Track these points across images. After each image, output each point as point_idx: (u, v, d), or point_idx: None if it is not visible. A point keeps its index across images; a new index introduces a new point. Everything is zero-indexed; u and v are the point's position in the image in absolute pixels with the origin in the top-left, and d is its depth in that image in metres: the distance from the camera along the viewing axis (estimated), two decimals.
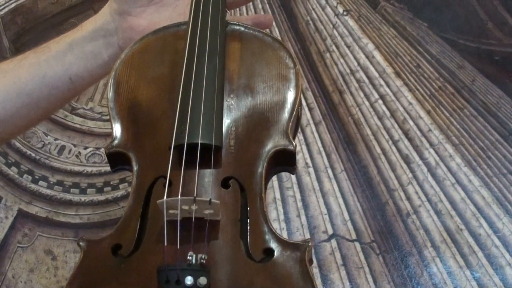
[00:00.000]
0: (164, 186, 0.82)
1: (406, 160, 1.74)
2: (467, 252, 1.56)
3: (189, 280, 0.72)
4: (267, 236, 0.82)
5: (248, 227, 0.83)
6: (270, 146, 0.89)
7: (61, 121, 1.94)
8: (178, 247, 0.77)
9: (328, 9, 2.08)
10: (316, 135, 1.82)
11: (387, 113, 1.84)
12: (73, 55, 0.99)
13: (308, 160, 1.76)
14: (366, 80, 1.92)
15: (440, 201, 1.65)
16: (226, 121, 0.91)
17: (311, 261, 0.80)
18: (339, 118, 1.86)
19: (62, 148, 1.90)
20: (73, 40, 1.01)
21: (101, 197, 1.79)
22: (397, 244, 1.60)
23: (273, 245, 0.81)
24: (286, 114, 0.92)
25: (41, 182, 1.83)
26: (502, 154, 1.71)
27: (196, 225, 0.78)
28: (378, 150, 1.77)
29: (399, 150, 1.76)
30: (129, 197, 0.91)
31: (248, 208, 0.84)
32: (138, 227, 0.84)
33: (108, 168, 1.83)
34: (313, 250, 1.58)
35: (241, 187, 0.86)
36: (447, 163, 1.72)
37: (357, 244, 1.62)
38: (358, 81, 1.93)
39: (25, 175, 1.85)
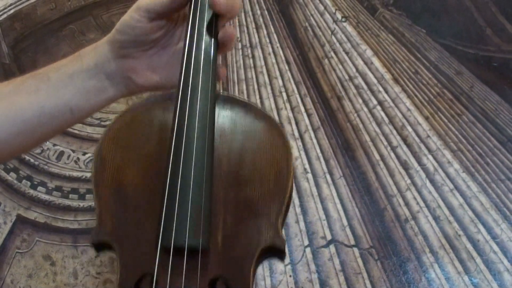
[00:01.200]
0: (151, 283, 0.81)
1: (405, 166, 1.74)
2: (466, 257, 1.56)
3: None
4: None
5: None
6: (258, 243, 0.87)
7: None
8: None
9: (327, 16, 2.08)
10: (314, 141, 1.83)
11: (386, 119, 1.84)
12: (75, 88, 0.97)
13: (307, 166, 1.76)
14: (365, 86, 1.92)
15: (438, 207, 1.65)
16: (214, 215, 0.87)
17: None
18: (338, 124, 1.86)
19: (61, 153, 1.90)
20: (74, 73, 0.97)
21: None
22: (395, 249, 1.60)
23: None
24: (277, 206, 0.89)
25: (40, 188, 1.84)
26: (500, 160, 1.71)
27: None
28: (377, 156, 1.78)
29: (397, 156, 1.77)
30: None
31: None
32: None
33: None
34: (312, 256, 1.59)
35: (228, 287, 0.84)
36: (446, 169, 1.72)
37: (355, 249, 1.62)
38: (356, 87, 1.93)
39: (24, 181, 1.85)
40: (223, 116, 0.97)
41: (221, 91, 1.83)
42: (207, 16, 0.96)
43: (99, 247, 0.92)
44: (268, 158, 0.93)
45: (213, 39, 0.95)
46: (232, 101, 1.00)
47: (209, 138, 0.89)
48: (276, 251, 0.89)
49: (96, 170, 0.93)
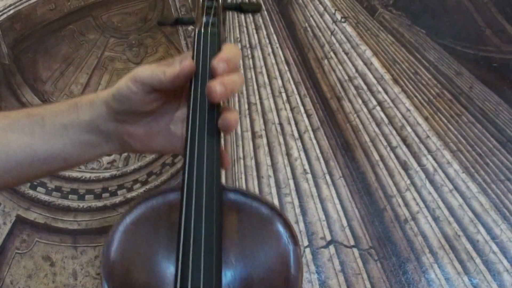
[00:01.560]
0: None
1: (404, 166, 1.74)
2: (465, 258, 1.56)
3: None
4: None
5: None
6: None
7: None
8: None
9: (326, 16, 2.08)
10: (314, 141, 1.83)
11: (385, 119, 1.84)
12: (69, 139, 0.95)
13: (306, 167, 1.76)
14: (364, 87, 1.92)
15: (438, 208, 1.65)
16: None
17: None
18: (337, 125, 1.86)
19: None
20: (69, 124, 0.94)
21: (99, 203, 1.79)
22: (395, 250, 1.60)
23: None
24: None
25: (39, 188, 1.83)
26: (499, 161, 1.71)
27: None
28: (376, 156, 1.78)
29: (397, 157, 1.77)
30: None
31: None
32: None
33: (106, 174, 1.85)
34: (311, 256, 1.59)
35: None
36: (445, 169, 1.72)
37: (355, 250, 1.62)
38: (356, 87, 1.93)
39: None
40: (229, 209, 0.93)
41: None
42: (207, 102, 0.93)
43: None
44: (275, 255, 0.91)
45: (215, 128, 0.92)
46: (240, 196, 0.97)
47: (217, 239, 0.86)
48: None
49: (104, 274, 0.92)
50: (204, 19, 0.94)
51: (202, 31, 0.92)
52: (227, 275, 0.88)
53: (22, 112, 0.97)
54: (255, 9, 1.00)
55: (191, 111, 0.89)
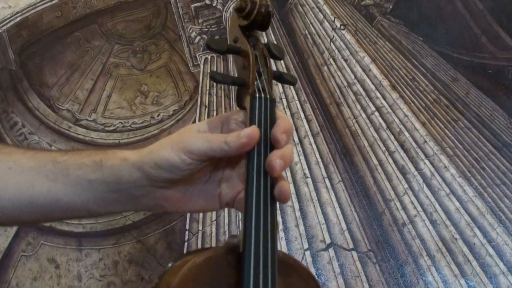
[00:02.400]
0: None
1: (402, 171, 1.74)
2: (462, 261, 1.55)
3: None
4: None
5: None
6: None
7: (65, 132, 1.95)
8: None
9: (326, 24, 2.08)
10: (314, 146, 1.82)
11: (384, 125, 1.84)
12: (94, 194, 0.92)
13: (306, 171, 1.75)
14: (363, 93, 1.92)
15: (435, 211, 1.64)
16: None
17: None
18: (337, 130, 1.86)
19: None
20: (93, 180, 0.89)
21: None
22: (393, 253, 1.59)
23: None
24: None
25: None
26: (495, 165, 1.71)
27: None
28: (375, 161, 1.77)
29: (395, 161, 1.76)
30: None
31: None
32: None
33: None
34: (311, 259, 1.57)
35: None
36: (442, 173, 1.71)
37: (354, 253, 1.61)
38: (355, 93, 1.93)
39: None
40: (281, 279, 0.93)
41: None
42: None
43: None
44: None
45: (272, 196, 0.90)
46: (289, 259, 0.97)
47: None
48: None
49: None
50: (258, 84, 0.92)
51: (257, 95, 0.90)
52: None
53: (48, 157, 0.94)
54: (292, 82, 0.98)
55: (249, 180, 0.87)
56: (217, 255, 0.87)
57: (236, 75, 0.99)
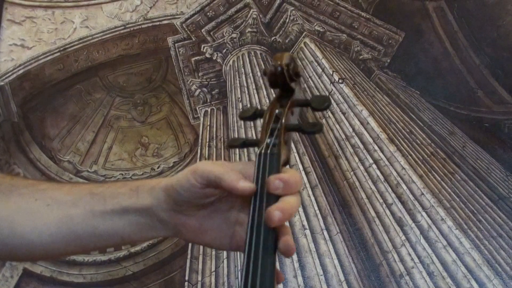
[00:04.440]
0: None
1: (400, 223, 1.77)
2: None
3: None
4: None
5: None
6: None
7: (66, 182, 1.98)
8: None
9: (324, 77, 2.14)
10: (312, 198, 1.86)
11: (381, 177, 1.88)
12: (128, 221, 1.00)
13: (305, 223, 1.79)
14: (361, 146, 1.97)
15: (432, 263, 1.68)
16: None
17: None
18: (335, 182, 1.90)
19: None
20: (129, 207, 0.99)
21: (104, 258, 1.82)
22: None
23: None
24: None
25: None
26: (492, 218, 1.75)
27: None
28: (372, 213, 1.81)
29: (392, 213, 1.80)
30: None
31: None
32: None
33: None
34: None
35: None
36: (439, 226, 1.75)
37: None
38: (353, 146, 1.97)
39: None
40: None
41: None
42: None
43: None
44: None
45: (272, 247, 0.97)
46: None
47: None
48: None
49: None
50: (267, 140, 0.95)
51: (263, 151, 0.98)
52: None
53: (85, 190, 1.03)
54: (316, 130, 1.01)
55: (249, 229, 0.91)
56: None
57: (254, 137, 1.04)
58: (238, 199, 1.01)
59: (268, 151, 0.93)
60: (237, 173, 0.93)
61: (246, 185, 0.92)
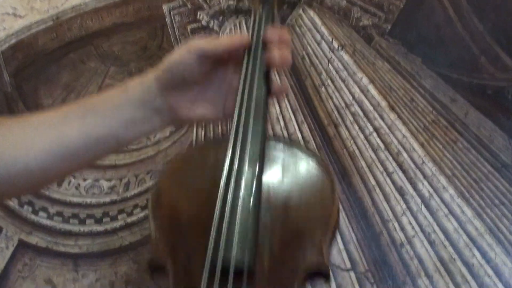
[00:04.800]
0: None
1: (400, 191, 1.76)
2: (460, 281, 1.58)
3: None
4: None
5: None
6: (304, 269, 0.92)
7: None
8: None
9: (323, 44, 2.12)
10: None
11: (382, 145, 1.87)
12: (121, 119, 1.02)
13: None
14: (361, 114, 1.95)
15: (433, 232, 1.67)
16: (261, 242, 0.92)
17: None
18: (334, 151, 1.88)
19: (62, 180, 1.93)
20: (120, 104, 1.03)
21: (100, 228, 1.81)
22: (391, 273, 1.62)
23: None
24: (322, 237, 0.96)
25: (41, 213, 1.87)
26: (494, 186, 1.73)
27: None
28: (373, 182, 1.80)
29: (393, 182, 1.79)
30: None
31: None
32: None
33: (106, 199, 1.88)
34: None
35: None
36: (441, 194, 1.74)
37: (352, 273, 1.64)
38: (353, 114, 1.96)
39: (25, 206, 1.88)
40: (274, 156, 1.04)
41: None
42: (260, 65, 1.02)
43: (153, 269, 0.98)
44: (315, 196, 1.01)
45: (264, 88, 1.01)
46: (281, 142, 1.05)
47: (258, 178, 0.95)
48: (321, 276, 0.95)
49: (152, 204, 0.98)
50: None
51: (259, 10, 1.04)
52: (269, 198, 0.98)
53: (73, 105, 1.04)
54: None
55: (243, 73, 1.02)
56: (206, 142, 1.02)
57: None
58: (229, 69, 1.05)
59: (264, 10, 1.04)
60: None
61: (240, 36, 0.99)
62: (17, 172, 0.97)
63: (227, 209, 0.91)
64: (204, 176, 1.01)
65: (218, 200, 0.92)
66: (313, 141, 1.90)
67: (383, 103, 1.97)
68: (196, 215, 0.98)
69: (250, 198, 0.92)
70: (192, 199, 1.00)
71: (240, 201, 0.91)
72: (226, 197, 0.92)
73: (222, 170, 0.95)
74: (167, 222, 0.99)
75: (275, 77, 1.93)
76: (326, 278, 0.95)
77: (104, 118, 1.02)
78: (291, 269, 0.92)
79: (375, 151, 1.87)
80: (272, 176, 1.01)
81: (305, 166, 1.04)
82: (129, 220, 1.82)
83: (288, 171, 1.02)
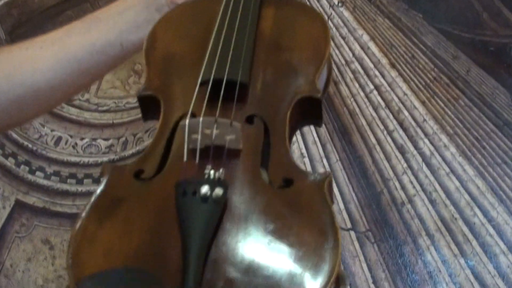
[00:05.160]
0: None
1: (401, 150, 1.75)
2: (462, 240, 1.57)
3: (204, 188, 0.71)
4: (288, 168, 0.82)
5: (270, 158, 0.83)
6: (296, 92, 0.91)
7: (58, 112, 1.96)
8: (197, 166, 0.77)
9: (323, 1, 2.08)
10: (311, 125, 1.81)
11: (382, 103, 1.85)
12: (125, 23, 1.03)
13: (304, 150, 1.77)
14: (361, 71, 1.93)
15: (434, 191, 1.66)
16: (255, 64, 0.93)
17: (330, 190, 0.77)
18: (334, 109, 1.86)
19: (59, 139, 1.92)
20: (123, 10, 1.04)
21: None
22: (392, 233, 1.61)
23: (294, 175, 0.80)
24: (314, 66, 0.94)
25: (38, 173, 1.84)
26: (496, 144, 1.72)
27: (216, 152, 0.79)
28: (373, 140, 1.78)
29: (394, 140, 1.77)
30: (155, 133, 0.91)
31: (271, 143, 0.85)
32: (161, 156, 0.85)
33: (104, 159, 1.85)
34: None
35: (265, 125, 0.87)
36: (442, 153, 1.72)
37: (352, 233, 1.63)
38: (353, 72, 1.93)
39: (22, 166, 1.86)
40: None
41: None
42: None
43: (146, 107, 0.97)
44: (307, 31, 1.01)
45: None
46: None
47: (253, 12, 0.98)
48: (314, 106, 0.92)
49: (148, 43, 0.98)
50: None
51: None
52: (263, 31, 0.98)
53: (77, 22, 1.03)
54: None
55: None
56: None
57: None
58: None
59: None
60: None
61: None
62: (25, 93, 0.97)
63: (224, 29, 0.93)
64: (200, 24, 1.02)
65: (216, 23, 0.95)
66: None
67: (384, 60, 1.94)
68: (190, 52, 0.99)
69: (248, 19, 0.96)
70: (187, 41, 1.01)
71: (237, 22, 0.95)
72: (224, 19, 0.95)
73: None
74: (161, 57, 0.99)
75: None
76: (318, 114, 0.94)
77: (107, 25, 1.02)
78: (283, 92, 0.92)
79: (375, 109, 1.84)
80: (267, 12, 1.03)
81: (302, 13, 1.05)
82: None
83: (283, 17, 1.03)
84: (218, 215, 0.72)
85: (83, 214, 0.73)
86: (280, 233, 0.71)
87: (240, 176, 0.81)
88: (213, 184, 0.72)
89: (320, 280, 0.66)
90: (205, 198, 0.71)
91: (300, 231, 0.71)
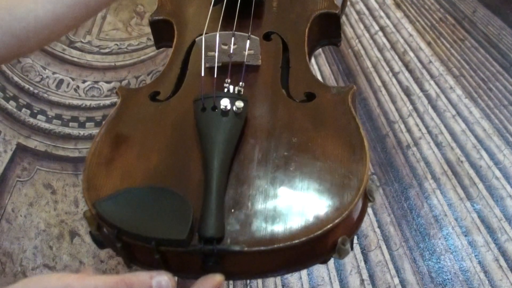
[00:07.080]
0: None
1: (407, 92, 1.69)
2: (468, 184, 1.51)
3: (224, 101, 0.69)
4: (309, 82, 0.79)
5: (289, 74, 0.81)
6: (314, 8, 0.88)
7: (59, 54, 1.89)
8: (215, 82, 0.75)
9: None
10: (315, 67, 1.77)
11: (387, 45, 1.79)
12: None
13: None
14: (366, 12, 1.87)
15: (440, 133, 1.60)
16: None
17: (354, 103, 0.77)
18: (339, 51, 1.81)
19: (60, 81, 1.85)
20: None
21: None
22: (397, 176, 1.54)
23: (316, 89, 0.77)
24: None
25: (39, 116, 1.78)
26: (503, 85, 1.66)
27: (234, 68, 0.77)
28: (378, 82, 1.72)
29: (399, 82, 1.71)
30: (170, 56, 0.89)
31: (290, 60, 0.82)
32: (177, 77, 0.84)
33: (106, 102, 1.79)
34: None
35: (283, 42, 0.85)
36: (448, 94, 1.66)
37: None
38: (358, 12, 1.88)
39: (23, 109, 1.79)
40: None
41: None
42: None
43: (159, 33, 0.97)
44: None
45: None
46: None
47: None
48: (332, 23, 0.90)
49: None
50: None
51: None
52: None
53: None
54: None
55: None
56: None
57: None
58: None
59: None
60: None
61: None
62: (27, 26, 0.93)
63: None
64: None
65: None
66: None
67: (389, 1, 1.89)
68: None
69: None
70: None
71: None
72: None
73: None
74: None
75: None
76: (337, 32, 0.93)
77: None
78: (300, 9, 0.90)
79: (380, 50, 1.79)
80: None
81: None
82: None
83: None
84: (240, 129, 0.69)
85: (97, 138, 0.76)
86: (304, 146, 0.70)
87: (261, 91, 0.78)
88: (233, 97, 0.70)
89: (347, 193, 0.65)
90: (225, 112, 0.69)
91: (325, 143, 0.70)
